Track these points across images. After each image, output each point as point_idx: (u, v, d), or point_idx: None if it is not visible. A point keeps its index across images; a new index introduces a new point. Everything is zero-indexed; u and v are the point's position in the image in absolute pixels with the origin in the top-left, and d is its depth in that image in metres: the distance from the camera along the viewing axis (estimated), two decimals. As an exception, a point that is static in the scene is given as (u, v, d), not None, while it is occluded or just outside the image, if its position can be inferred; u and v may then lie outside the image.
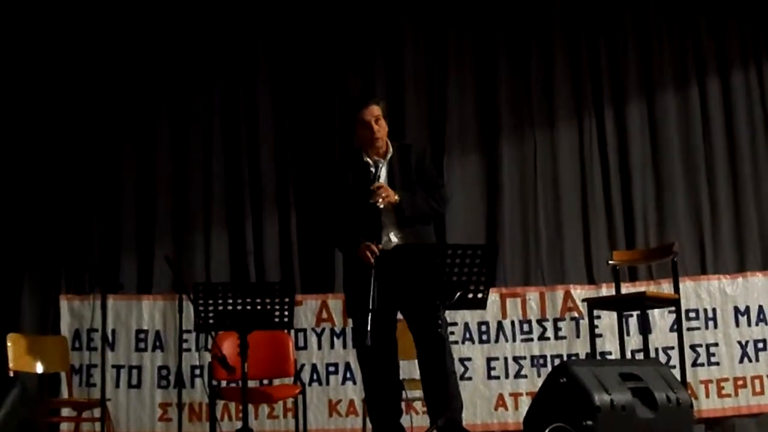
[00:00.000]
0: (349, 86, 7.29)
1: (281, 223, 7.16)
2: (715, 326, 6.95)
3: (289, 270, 7.08)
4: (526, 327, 6.91)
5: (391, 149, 4.84)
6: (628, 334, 6.49)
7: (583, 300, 6.37)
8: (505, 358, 6.84)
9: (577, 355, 6.79)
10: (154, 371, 6.71)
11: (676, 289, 5.89)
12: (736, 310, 6.97)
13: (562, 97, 7.44)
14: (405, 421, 4.79)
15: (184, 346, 6.41)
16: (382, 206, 4.62)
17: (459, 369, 6.74)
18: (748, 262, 7.24)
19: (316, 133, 7.29)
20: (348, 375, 6.74)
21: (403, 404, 4.78)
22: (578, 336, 6.86)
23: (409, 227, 4.69)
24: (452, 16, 7.51)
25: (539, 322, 6.93)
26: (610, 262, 6.31)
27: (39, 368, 6.17)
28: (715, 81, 7.53)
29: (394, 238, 4.68)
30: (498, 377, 6.81)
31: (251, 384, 5.51)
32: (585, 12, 7.56)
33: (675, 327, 6.27)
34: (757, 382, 6.86)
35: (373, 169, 4.74)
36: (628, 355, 6.39)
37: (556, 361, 6.67)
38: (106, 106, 7.17)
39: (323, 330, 6.84)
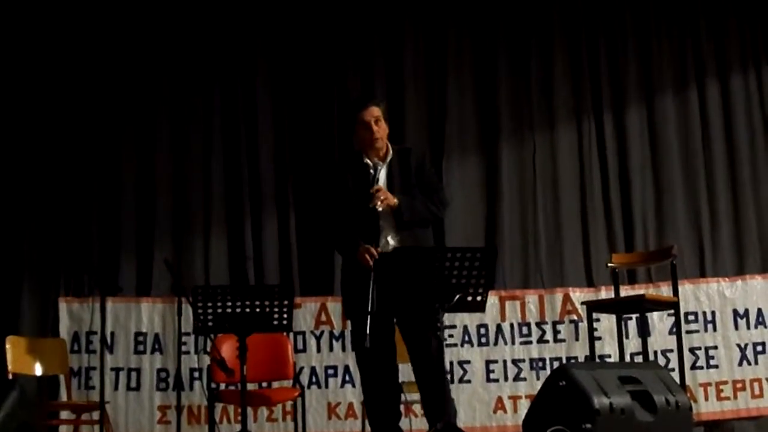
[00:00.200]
0: (349, 87, 7.29)
1: (280, 226, 7.16)
2: (714, 329, 6.94)
3: (288, 273, 7.07)
4: (525, 330, 6.91)
5: (391, 152, 4.84)
6: (627, 337, 6.50)
7: (582, 303, 6.36)
8: (504, 361, 6.84)
9: (576, 358, 6.79)
10: (153, 374, 6.70)
11: (675, 292, 5.89)
12: (735, 313, 6.97)
13: (562, 99, 7.45)
14: (404, 424, 4.79)
15: (183, 348, 6.41)
16: (380, 209, 4.62)
17: (458, 372, 6.76)
18: (747, 265, 7.23)
19: (315, 133, 7.29)
20: (347, 378, 6.74)
21: (402, 407, 4.78)
22: (577, 339, 6.86)
23: (408, 231, 4.68)
24: (452, 17, 7.50)
25: (538, 324, 6.93)
26: (609, 264, 6.30)
27: (38, 371, 6.15)
28: (714, 84, 7.53)
29: (391, 242, 4.67)
30: (497, 380, 6.81)
31: (250, 387, 5.51)
32: (585, 14, 7.57)
33: (674, 330, 6.27)
34: (756, 385, 6.86)
35: (372, 171, 4.74)
36: (627, 358, 6.38)
37: (555, 364, 6.66)
38: (106, 107, 7.16)
39: (322, 333, 6.84)
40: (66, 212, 7.03)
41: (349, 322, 5.40)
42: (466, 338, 6.85)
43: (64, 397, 6.41)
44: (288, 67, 7.35)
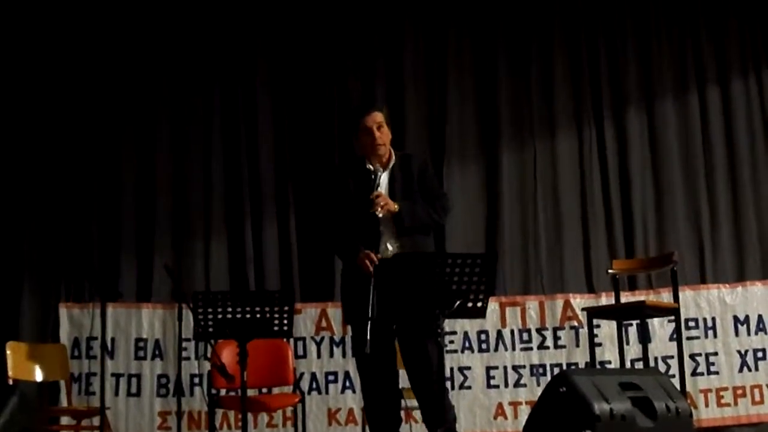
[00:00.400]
0: (349, 88, 7.31)
1: (281, 231, 7.15)
2: (715, 335, 6.94)
3: (289, 278, 7.08)
4: (525, 336, 6.91)
5: (393, 157, 4.84)
6: (627, 343, 6.48)
7: (583, 309, 6.36)
8: (505, 367, 6.84)
9: (576, 364, 6.79)
10: (154, 380, 6.70)
11: (676, 299, 5.88)
12: (736, 319, 6.97)
13: (562, 103, 7.46)
14: (404, 430, 4.78)
15: (184, 354, 6.40)
16: (380, 215, 4.62)
17: (458, 378, 6.76)
18: (747, 270, 7.24)
19: (315, 133, 7.29)
20: (347, 384, 6.73)
21: (402, 413, 4.77)
22: (578, 345, 6.86)
23: (408, 236, 4.68)
24: (452, 18, 7.52)
25: (539, 331, 6.93)
26: (610, 271, 6.30)
27: (38, 376, 6.15)
28: (714, 88, 7.56)
29: (391, 247, 4.67)
30: (497, 386, 6.81)
31: (250, 393, 5.50)
32: (585, 17, 7.58)
33: (674, 336, 6.26)
34: (756, 391, 6.86)
35: (374, 177, 4.73)
36: (628, 365, 6.38)
37: (556, 370, 6.67)
38: (106, 107, 7.16)
39: (322, 338, 6.84)
40: (66, 215, 7.03)
41: (349, 328, 5.40)
42: (467, 344, 6.85)
43: (64, 402, 6.40)
44: (288, 67, 7.36)
